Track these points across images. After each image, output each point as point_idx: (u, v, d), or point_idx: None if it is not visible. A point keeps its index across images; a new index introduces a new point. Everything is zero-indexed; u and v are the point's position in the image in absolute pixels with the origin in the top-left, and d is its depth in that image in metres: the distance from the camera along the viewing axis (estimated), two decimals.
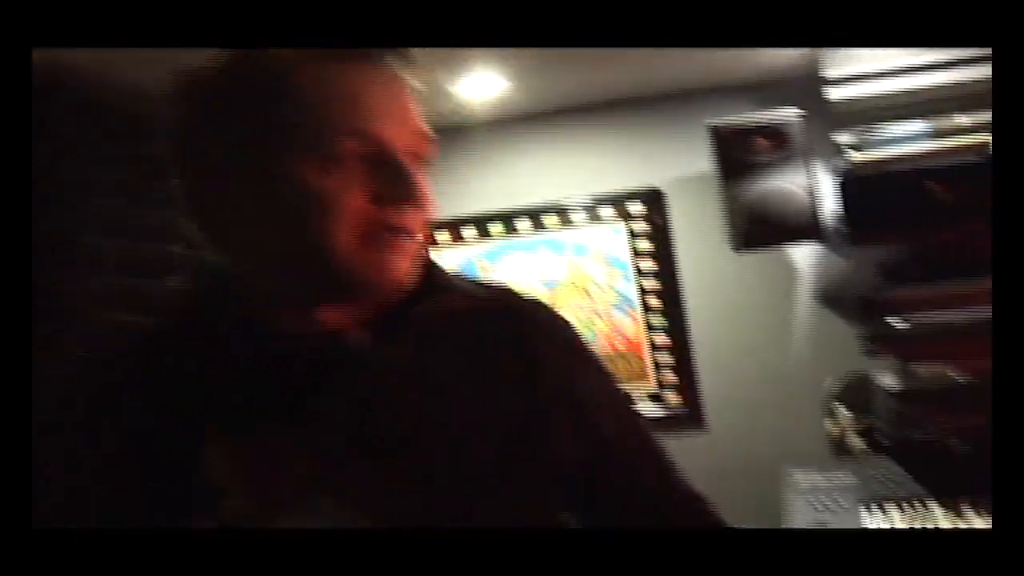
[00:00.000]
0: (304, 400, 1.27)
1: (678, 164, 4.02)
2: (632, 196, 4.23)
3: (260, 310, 1.31)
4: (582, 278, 4.27)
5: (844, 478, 3.41)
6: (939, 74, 3.10)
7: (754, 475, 3.68)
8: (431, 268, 1.39)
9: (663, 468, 1.56)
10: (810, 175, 3.18)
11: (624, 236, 4.24)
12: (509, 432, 1.36)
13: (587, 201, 4.33)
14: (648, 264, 4.27)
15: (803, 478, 3.49)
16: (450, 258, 4.37)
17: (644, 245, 4.25)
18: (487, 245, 4.40)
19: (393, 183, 1.23)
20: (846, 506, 3.24)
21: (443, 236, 4.40)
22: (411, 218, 1.27)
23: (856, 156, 3.14)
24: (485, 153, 4.23)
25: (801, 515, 3.30)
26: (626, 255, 4.23)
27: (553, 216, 4.38)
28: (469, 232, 4.44)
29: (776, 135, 3.14)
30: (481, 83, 3.59)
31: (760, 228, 3.26)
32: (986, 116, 3.15)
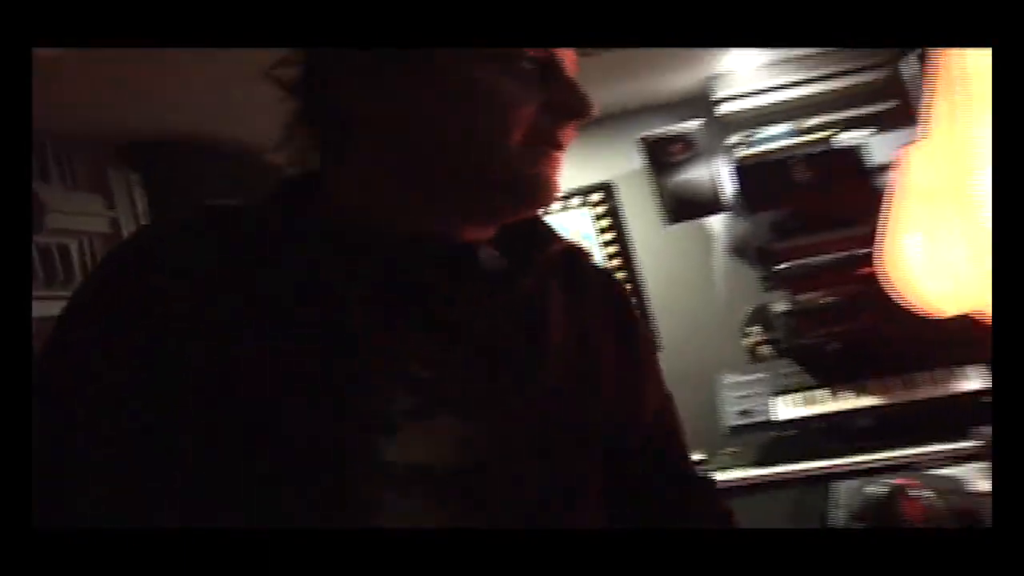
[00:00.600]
0: (433, 308, 1.16)
1: (623, 164, 5.35)
2: (593, 189, 5.49)
3: (374, 211, 1.17)
4: None
5: (759, 376, 4.71)
6: (797, 90, 4.36)
7: (695, 381, 4.44)
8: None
9: (684, 449, 1.51)
10: (712, 167, 4.48)
11: (589, 218, 5.53)
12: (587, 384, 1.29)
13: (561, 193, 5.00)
14: (607, 237, 5.53)
15: (730, 379, 4.80)
16: None
17: (604, 223, 5.55)
18: None
19: (564, 95, 1.17)
20: (762, 396, 4.58)
21: None
22: (568, 135, 1.20)
23: (742, 151, 4.40)
24: None
25: (729, 406, 4.63)
26: (592, 232, 5.52)
27: None
28: None
29: (686, 141, 4.43)
30: None
31: (681, 207, 4.63)
32: (832, 116, 4.30)
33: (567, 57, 1.19)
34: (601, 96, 3.46)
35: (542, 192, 1.19)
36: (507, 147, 1.13)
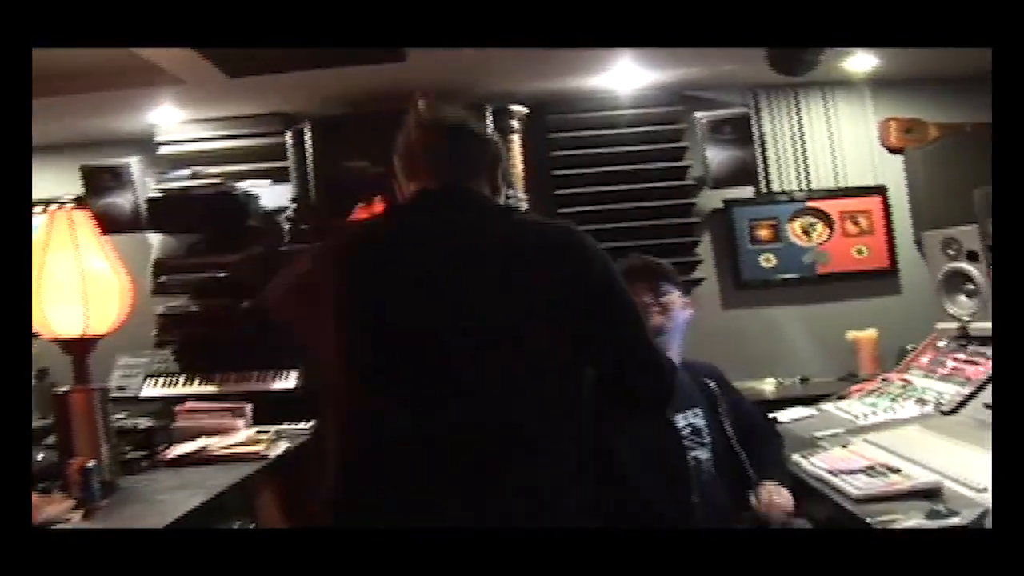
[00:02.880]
0: None
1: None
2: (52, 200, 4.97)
3: None
4: None
5: (143, 360, 4.97)
6: (210, 144, 4.96)
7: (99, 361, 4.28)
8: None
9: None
10: (137, 196, 4.91)
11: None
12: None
13: None
14: None
15: (123, 360, 4.91)
16: None
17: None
18: None
19: None
20: (138, 377, 4.89)
21: None
22: None
23: (158, 186, 4.80)
24: None
25: (114, 381, 4.75)
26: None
27: None
28: None
29: (114, 172, 4.96)
30: None
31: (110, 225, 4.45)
32: (232, 168, 4.87)
33: None
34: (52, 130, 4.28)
35: None
36: None
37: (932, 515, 1.87)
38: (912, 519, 1.88)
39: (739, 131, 4.83)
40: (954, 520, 1.82)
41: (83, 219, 3.16)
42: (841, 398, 3.43)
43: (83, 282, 3.04)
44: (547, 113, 4.94)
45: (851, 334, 4.65)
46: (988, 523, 1.79)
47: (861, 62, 4.50)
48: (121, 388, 4.83)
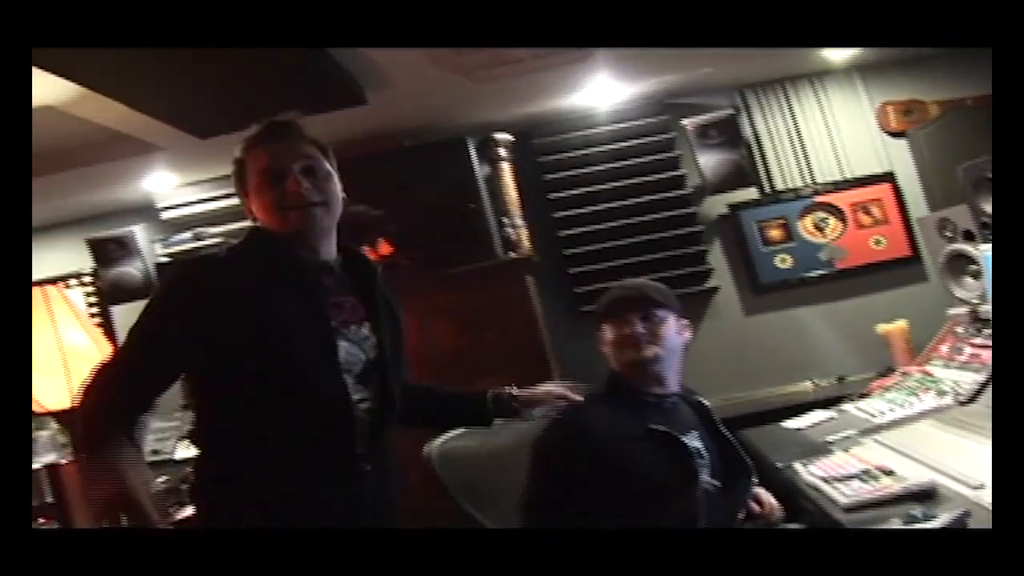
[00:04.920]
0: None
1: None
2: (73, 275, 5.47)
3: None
4: None
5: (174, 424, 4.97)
6: (204, 205, 5.10)
7: None
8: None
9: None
10: (144, 262, 5.08)
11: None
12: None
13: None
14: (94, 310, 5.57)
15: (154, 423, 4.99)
16: None
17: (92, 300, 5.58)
18: None
19: None
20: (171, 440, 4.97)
21: None
22: None
23: (163, 249, 5.09)
24: None
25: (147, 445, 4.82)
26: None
27: None
28: None
29: (120, 241, 5.07)
30: None
31: (117, 294, 5.14)
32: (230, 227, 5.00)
33: None
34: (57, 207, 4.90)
35: None
36: None
37: (909, 520, 1.80)
38: (892, 526, 1.82)
39: (726, 133, 4.75)
40: (932, 524, 1.75)
41: (58, 295, 3.22)
42: (862, 396, 3.34)
43: (63, 356, 3.14)
44: (532, 138, 4.90)
45: (881, 327, 4.50)
46: (969, 524, 1.74)
47: (841, 50, 4.39)
48: (156, 452, 4.90)
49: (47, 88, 2.94)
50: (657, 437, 2.19)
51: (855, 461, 2.36)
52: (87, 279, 5.51)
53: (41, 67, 2.61)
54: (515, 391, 2.31)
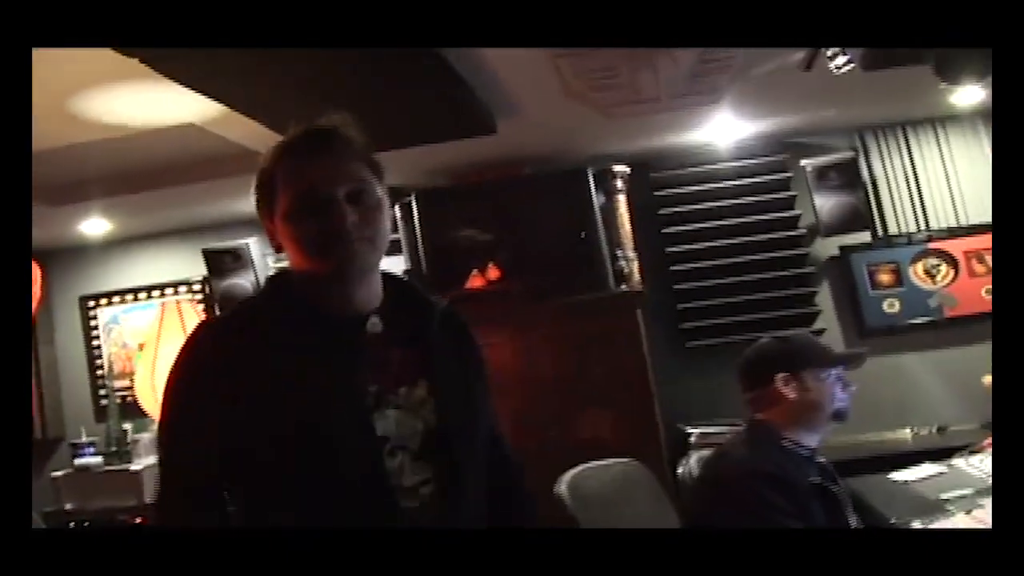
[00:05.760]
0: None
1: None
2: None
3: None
4: None
5: None
6: None
7: None
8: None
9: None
10: (257, 277, 5.12)
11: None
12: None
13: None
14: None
15: None
16: None
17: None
18: None
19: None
20: None
21: None
22: None
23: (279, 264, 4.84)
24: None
25: None
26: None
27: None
28: None
29: (235, 255, 5.15)
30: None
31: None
32: None
33: None
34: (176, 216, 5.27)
35: None
36: None
37: None
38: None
39: (846, 176, 4.74)
40: None
41: (191, 310, 3.37)
42: (973, 452, 3.20)
43: None
44: (650, 171, 4.98)
45: (987, 379, 4.41)
46: None
47: (970, 95, 4.34)
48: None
49: (189, 106, 3.19)
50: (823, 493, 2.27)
51: (979, 525, 2.27)
52: (196, 287, 5.70)
53: (183, 83, 2.82)
54: None
